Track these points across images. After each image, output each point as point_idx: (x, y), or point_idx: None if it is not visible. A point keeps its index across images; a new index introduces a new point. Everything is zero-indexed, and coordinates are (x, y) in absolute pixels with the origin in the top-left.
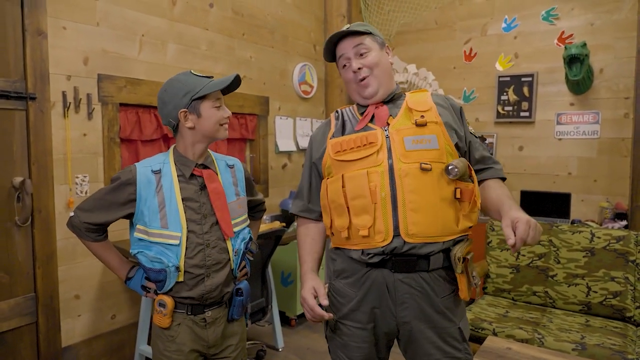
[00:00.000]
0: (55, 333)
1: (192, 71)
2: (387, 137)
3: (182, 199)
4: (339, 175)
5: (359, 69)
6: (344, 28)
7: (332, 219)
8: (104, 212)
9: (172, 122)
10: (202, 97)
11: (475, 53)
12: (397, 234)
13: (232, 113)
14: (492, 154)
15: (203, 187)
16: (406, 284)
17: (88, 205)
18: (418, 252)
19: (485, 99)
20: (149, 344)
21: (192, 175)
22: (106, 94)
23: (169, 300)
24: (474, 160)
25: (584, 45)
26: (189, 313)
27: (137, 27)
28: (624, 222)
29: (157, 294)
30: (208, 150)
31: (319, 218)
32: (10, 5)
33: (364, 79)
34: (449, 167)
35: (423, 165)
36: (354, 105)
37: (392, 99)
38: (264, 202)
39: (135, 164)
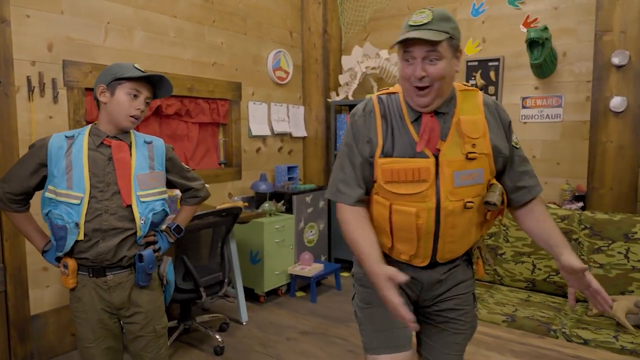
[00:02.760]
0: (24, 301)
1: (135, 64)
2: (437, 165)
3: (89, 166)
4: (387, 203)
5: (422, 78)
6: (425, 20)
7: (375, 230)
8: (20, 179)
9: (95, 95)
10: (122, 81)
11: None
12: (433, 258)
13: (203, 99)
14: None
15: (111, 158)
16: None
17: (8, 176)
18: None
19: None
20: None
21: (102, 145)
22: (72, 79)
23: (71, 262)
24: (513, 176)
25: (545, 29)
26: (91, 275)
27: (102, 15)
28: (581, 204)
29: (66, 266)
30: (132, 131)
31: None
32: None
33: (423, 88)
34: (488, 203)
35: (467, 205)
36: (400, 97)
37: (446, 106)
38: (200, 189)
39: (54, 133)
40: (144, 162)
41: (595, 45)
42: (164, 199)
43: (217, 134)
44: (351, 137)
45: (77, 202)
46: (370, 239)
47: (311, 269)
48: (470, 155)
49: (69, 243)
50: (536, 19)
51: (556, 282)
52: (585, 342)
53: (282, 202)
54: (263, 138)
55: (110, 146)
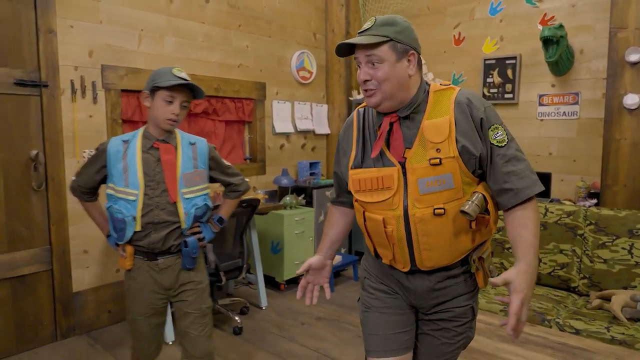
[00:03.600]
0: (67, 279)
1: (175, 70)
2: (404, 174)
3: (142, 167)
4: (362, 210)
5: (366, 81)
6: (368, 26)
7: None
8: (87, 176)
9: (142, 100)
10: (160, 88)
11: (464, 37)
12: (414, 264)
13: (229, 98)
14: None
15: (160, 159)
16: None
17: (79, 171)
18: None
19: (473, 82)
20: None
21: (152, 148)
22: (109, 82)
23: (128, 248)
24: (495, 177)
25: (560, 27)
26: (145, 259)
27: (136, 23)
28: (594, 201)
29: (124, 250)
30: (178, 130)
31: (351, 206)
32: (25, 9)
33: (369, 90)
34: (463, 213)
35: (436, 211)
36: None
37: (411, 111)
38: (240, 184)
39: (112, 137)
40: (188, 162)
41: (609, 42)
42: (206, 194)
43: (242, 131)
44: (337, 148)
45: (134, 198)
46: (330, 233)
47: None
48: (432, 162)
49: (128, 234)
50: (553, 16)
51: (560, 277)
52: (577, 332)
53: (303, 195)
54: (287, 135)
55: (158, 149)
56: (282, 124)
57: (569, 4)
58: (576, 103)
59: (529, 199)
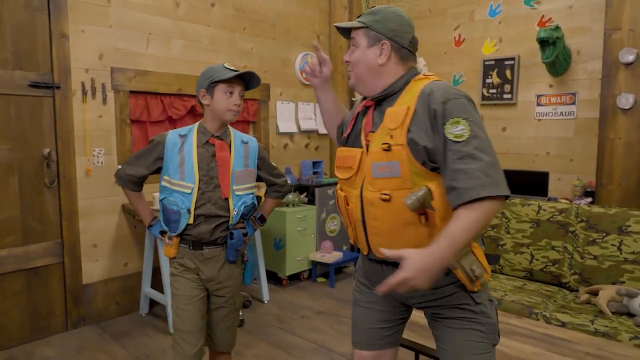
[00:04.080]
0: (78, 272)
1: (225, 64)
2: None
3: (198, 161)
4: (338, 186)
5: (347, 61)
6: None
7: None
8: (140, 166)
9: (198, 98)
10: (217, 83)
11: (464, 39)
12: (370, 249)
13: None
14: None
15: (214, 155)
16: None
17: (130, 160)
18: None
19: (472, 82)
20: (152, 287)
21: (208, 143)
22: (118, 84)
23: (175, 237)
24: (446, 174)
25: (556, 28)
26: (190, 247)
27: (144, 27)
28: (590, 199)
29: (170, 238)
30: (229, 127)
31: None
32: (39, 15)
33: (349, 71)
34: (405, 202)
35: (382, 196)
36: None
37: (385, 98)
38: (283, 185)
39: (170, 130)
40: (240, 160)
41: (604, 44)
42: (253, 193)
43: (247, 131)
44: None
45: (189, 191)
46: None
47: (331, 256)
48: (383, 146)
49: (182, 225)
50: (550, 18)
51: (552, 272)
52: (563, 325)
53: (305, 194)
54: (290, 135)
55: (214, 145)
56: (285, 124)
57: (566, 5)
58: (573, 103)
59: (476, 201)
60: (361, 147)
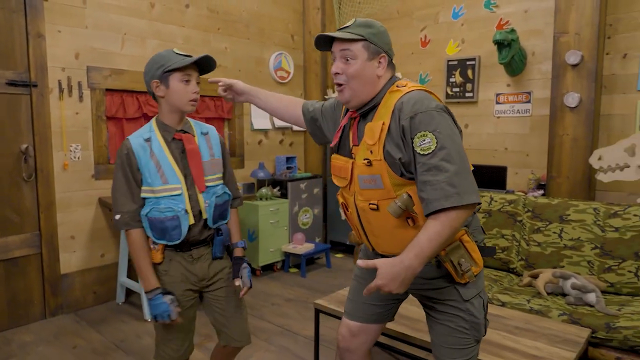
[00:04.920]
0: (55, 262)
1: (174, 49)
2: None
3: (173, 159)
4: (340, 192)
5: (337, 74)
6: (348, 24)
7: None
8: (128, 193)
9: (150, 90)
10: (172, 71)
11: (429, 40)
12: (373, 248)
13: (209, 97)
14: (445, 168)
15: (183, 150)
16: None
17: (117, 201)
18: None
19: (437, 82)
20: (128, 277)
21: (174, 140)
22: (94, 82)
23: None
24: (418, 185)
25: (511, 31)
26: (177, 250)
27: (120, 27)
28: (542, 191)
29: (155, 243)
30: (187, 118)
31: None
32: (16, 16)
33: (340, 84)
34: (388, 211)
35: (370, 206)
36: None
37: (369, 109)
38: (239, 189)
39: (128, 137)
40: (205, 151)
41: (553, 46)
42: (222, 183)
43: (222, 128)
44: (328, 110)
45: (178, 192)
46: (276, 94)
47: (302, 247)
48: (365, 162)
49: (184, 229)
50: (508, 21)
51: (501, 259)
52: (503, 305)
53: (279, 188)
54: (265, 131)
55: (181, 140)
56: (260, 121)
57: (522, 9)
58: (529, 102)
59: (441, 211)
60: (350, 158)
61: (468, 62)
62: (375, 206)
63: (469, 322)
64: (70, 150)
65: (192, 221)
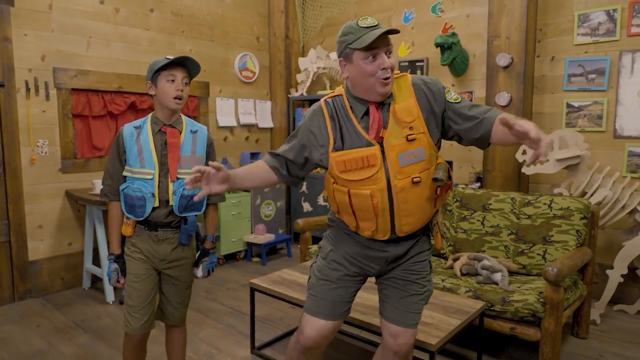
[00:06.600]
0: (24, 249)
1: (167, 56)
2: (383, 152)
3: (154, 148)
4: (346, 189)
5: (384, 69)
6: (375, 22)
7: (340, 213)
8: (119, 171)
9: (147, 90)
10: (159, 71)
11: None
12: (393, 232)
13: None
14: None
15: (166, 143)
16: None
17: (109, 174)
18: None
19: None
20: (93, 263)
21: (160, 132)
22: (60, 82)
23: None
24: (466, 124)
25: (452, 34)
26: (146, 229)
27: (85, 31)
28: (479, 184)
29: (127, 219)
30: (182, 116)
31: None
32: None
33: (387, 78)
34: (435, 180)
35: (414, 180)
36: (344, 97)
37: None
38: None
39: (125, 124)
40: (187, 147)
41: (487, 49)
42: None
43: None
44: (302, 136)
45: (150, 177)
46: (244, 168)
47: (262, 237)
48: (409, 137)
49: (148, 209)
50: (452, 25)
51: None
52: None
53: None
54: (230, 129)
55: (166, 132)
56: (225, 119)
57: (465, 14)
58: (471, 100)
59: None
60: (373, 145)
61: (417, 63)
62: (419, 179)
63: (424, 293)
64: (38, 146)
65: (156, 204)
